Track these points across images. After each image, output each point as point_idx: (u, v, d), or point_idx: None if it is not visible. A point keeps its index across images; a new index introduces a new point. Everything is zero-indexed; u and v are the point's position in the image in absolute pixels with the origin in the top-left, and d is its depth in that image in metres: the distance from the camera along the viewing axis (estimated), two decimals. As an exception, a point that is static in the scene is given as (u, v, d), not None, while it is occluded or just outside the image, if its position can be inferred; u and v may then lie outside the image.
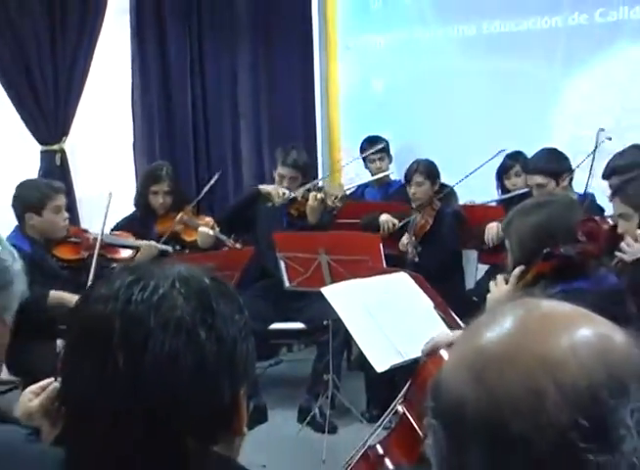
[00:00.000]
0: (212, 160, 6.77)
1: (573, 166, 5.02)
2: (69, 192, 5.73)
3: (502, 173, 5.67)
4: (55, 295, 4.44)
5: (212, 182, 5.66)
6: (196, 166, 6.62)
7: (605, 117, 5.81)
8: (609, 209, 4.42)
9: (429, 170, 5.64)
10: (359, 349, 3.65)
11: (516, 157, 5.61)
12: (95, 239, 4.94)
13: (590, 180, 4.92)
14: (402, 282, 3.79)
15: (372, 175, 6.28)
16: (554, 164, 5.00)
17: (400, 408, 3.21)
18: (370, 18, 6.85)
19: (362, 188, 6.38)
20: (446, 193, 5.67)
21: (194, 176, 6.55)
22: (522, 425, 0.90)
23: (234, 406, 1.26)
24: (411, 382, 3.16)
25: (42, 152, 5.95)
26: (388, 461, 3.14)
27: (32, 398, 1.84)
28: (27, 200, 4.76)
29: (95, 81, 6.13)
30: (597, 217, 3.31)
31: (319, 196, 5.49)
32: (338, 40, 7.03)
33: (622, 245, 3.62)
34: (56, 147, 5.95)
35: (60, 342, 1.25)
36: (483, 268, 5.73)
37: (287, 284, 5.17)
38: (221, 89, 6.78)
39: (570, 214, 3.07)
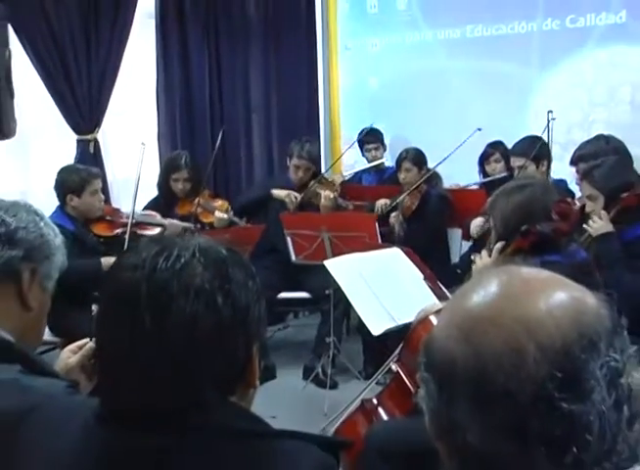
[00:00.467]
0: (227, 149, 6.75)
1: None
2: (103, 177, 5.73)
3: (483, 160, 5.67)
4: (107, 261, 4.46)
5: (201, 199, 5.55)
6: (213, 155, 6.59)
7: (574, 112, 5.84)
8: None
9: (416, 158, 5.68)
10: (357, 315, 3.65)
11: (496, 145, 5.61)
12: (127, 217, 4.96)
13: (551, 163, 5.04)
14: (395, 256, 3.79)
15: (368, 163, 6.28)
16: (535, 149, 5.00)
17: (394, 367, 3.21)
18: (367, 22, 6.83)
19: (360, 174, 6.38)
20: (431, 176, 5.67)
21: (211, 164, 6.52)
22: (505, 379, 0.90)
23: (248, 362, 1.26)
24: (403, 344, 3.17)
25: (78, 141, 5.93)
26: (382, 412, 3.15)
27: (71, 355, 1.84)
28: (69, 183, 4.81)
29: (124, 79, 6.11)
30: (569, 199, 3.29)
31: (332, 196, 5.48)
32: (338, 42, 7.01)
33: (590, 222, 3.62)
34: (90, 137, 5.93)
35: (94, 307, 1.24)
36: (467, 245, 5.73)
37: (293, 258, 5.17)
38: (235, 86, 6.76)
39: (547, 196, 3.08)
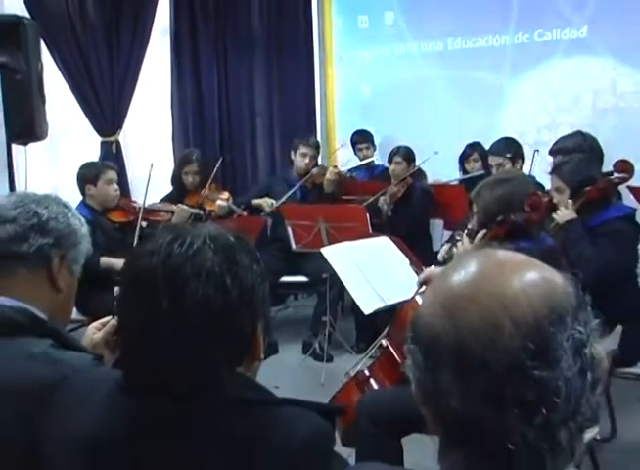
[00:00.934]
0: (234, 148, 6.76)
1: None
2: (123, 173, 5.78)
3: (463, 159, 5.67)
4: (105, 260, 4.47)
5: (218, 165, 5.66)
6: (221, 153, 6.60)
7: (542, 116, 5.88)
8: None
9: (406, 154, 5.70)
10: (351, 296, 3.64)
11: (474, 146, 5.60)
12: (140, 207, 4.97)
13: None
14: (385, 244, 3.78)
15: (360, 161, 6.28)
16: (512, 149, 5.01)
17: (384, 342, 3.21)
18: (358, 36, 6.81)
19: (352, 171, 6.37)
20: (416, 172, 5.71)
21: (219, 162, 6.51)
22: (482, 350, 0.90)
23: (254, 337, 1.26)
24: (392, 321, 3.17)
25: (102, 142, 5.94)
26: (373, 382, 3.15)
27: (96, 332, 1.84)
28: (86, 174, 4.87)
29: (143, 87, 6.10)
30: (539, 192, 3.29)
31: (335, 171, 5.70)
32: (333, 54, 6.99)
33: (557, 211, 3.62)
34: (112, 138, 5.94)
35: (116, 288, 1.24)
36: (448, 234, 5.73)
37: (293, 246, 5.16)
38: (241, 92, 6.75)
39: (525, 189, 3.09)
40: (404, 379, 1.02)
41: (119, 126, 5.97)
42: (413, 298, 2.97)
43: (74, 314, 2.82)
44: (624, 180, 3.77)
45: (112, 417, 1.24)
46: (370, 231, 4.70)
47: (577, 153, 4.11)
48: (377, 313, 3.45)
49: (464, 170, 5.68)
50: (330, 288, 5.04)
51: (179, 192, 5.69)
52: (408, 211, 5.57)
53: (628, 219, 3.65)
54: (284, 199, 5.53)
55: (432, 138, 6.02)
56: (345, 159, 6.75)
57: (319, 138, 6.73)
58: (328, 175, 5.65)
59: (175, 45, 6.37)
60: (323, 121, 7.09)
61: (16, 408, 1.43)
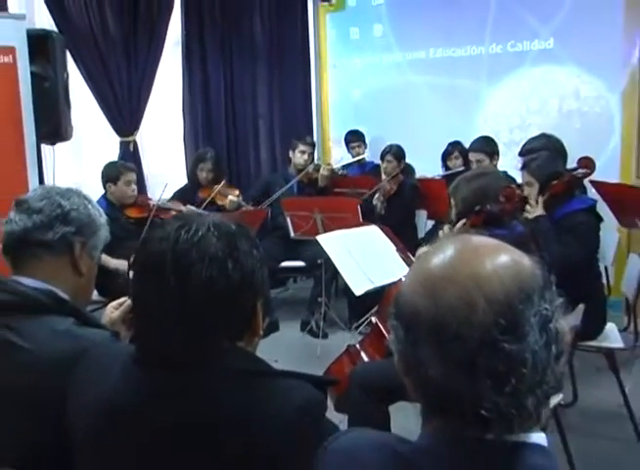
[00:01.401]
0: (239, 148, 6.75)
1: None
2: (140, 170, 5.75)
3: (445, 156, 5.66)
4: (104, 259, 4.35)
5: (219, 187, 5.50)
6: (227, 153, 6.60)
7: (514, 118, 5.90)
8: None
9: (397, 153, 5.66)
10: (343, 279, 3.63)
11: (455, 145, 5.60)
12: (154, 205, 4.94)
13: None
14: (374, 232, 3.77)
15: (352, 158, 6.29)
16: (490, 146, 5.01)
17: (374, 319, 3.21)
18: (350, 46, 6.82)
19: (345, 167, 6.35)
20: (405, 168, 5.71)
21: (226, 160, 6.52)
22: (458, 326, 0.90)
23: (253, 315, 1.26)
24: (381, 301, 3.17)
25: (120, 142, 5.90)
26: (363, 355, 3.15)
27: (114, 311, 1.84)
28: (108, 174, 4.88)
29: (157, 93, 6.07)
30: (513, 185, 3.28)
31: (328, 168, 5.71)
32: (328, 62, 7.01)
33: (527, 207, 3.62)
34: (130, 139, 5.90)
35: (131, 272, 1.24)
36: (431, 223, 5.75)
37: (292, 234, 5.14)
38: (245, 98, 6.72)
39: (499, 182, 3.09)
40: (391, 352, 1.02)
41: (136, 127, 5.93)
42: (400, 279, 2.96)
43: (95, 296, 2.81)
44: (587, 175, 3.76)
45: (127, 387, 1.24)
46: (361, 220, 4.70)
47: (544, 151, 4.10)
48: (367, 294, 3.44)
49: (446, 167, 5.67)
50: (325, 272, 5.02)
51: (193, 185, 5.69)
52: (399, 205, 5.57)
53: (590, 211, 3.65)
54: (283, 190, 5.54)
55: (417, 137, 6.02)
56: (339, 156, 6.77)
57: (315, 138, 6.73)
58: (322, 171, 5.66)
59: (186, 56, 6.35)
60: (319, 123, 7.11)
61: (50, 379, 1.42)
